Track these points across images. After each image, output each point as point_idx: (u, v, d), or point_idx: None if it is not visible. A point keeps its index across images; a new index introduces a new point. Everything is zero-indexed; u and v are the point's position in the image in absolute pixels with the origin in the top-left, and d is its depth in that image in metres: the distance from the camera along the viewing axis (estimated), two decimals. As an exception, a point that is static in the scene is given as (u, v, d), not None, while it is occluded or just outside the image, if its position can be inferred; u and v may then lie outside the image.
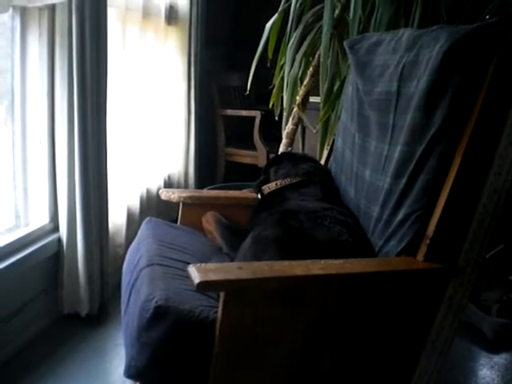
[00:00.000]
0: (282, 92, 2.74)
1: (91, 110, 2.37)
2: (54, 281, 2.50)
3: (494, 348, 2.56)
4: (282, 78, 2.74)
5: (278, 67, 2.83)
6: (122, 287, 1.79)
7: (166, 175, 3.74)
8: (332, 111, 2.61)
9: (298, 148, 2.98)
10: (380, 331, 1.48)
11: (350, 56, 2.05)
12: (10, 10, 2.16)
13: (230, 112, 4.55)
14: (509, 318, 2.67)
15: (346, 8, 2.54)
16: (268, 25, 2.76)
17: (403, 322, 1.50)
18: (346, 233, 1.65)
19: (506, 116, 1.44)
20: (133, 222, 3.04)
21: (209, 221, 2.08)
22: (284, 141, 2.87)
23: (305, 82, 2.79)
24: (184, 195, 2.18)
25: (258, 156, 4.34)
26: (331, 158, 2.24)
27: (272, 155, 3.00)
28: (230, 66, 5.05)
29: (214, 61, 4.55)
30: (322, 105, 2.62)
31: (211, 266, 1.36)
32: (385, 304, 1.47)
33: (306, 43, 2.67)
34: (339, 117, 2.28)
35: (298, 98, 2.77)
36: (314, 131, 2.76)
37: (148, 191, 3.40)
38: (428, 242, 1.45)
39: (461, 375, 2.35)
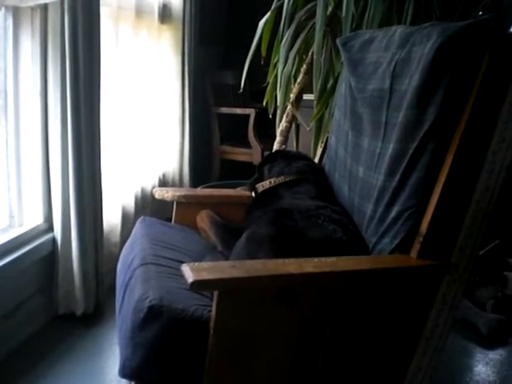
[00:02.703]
0: (276, 90, 2.74)
1: (84, 109, 2.36)
2: (49, 280, 2.49)
3: (488, 344, 2.57)
4: (276, 76, 2.74)
5: (271, 65, 2.83)
6: (117, 287, 1.79)
7: (160, 174, 3.74)
8: (325, 109, 2.61)
9: (292, 146, 2.98)
10: (374, 329, 1.49)
11: (342, 53, 2.05)
12: (3, 10, 2.17)
13: (224, 110, 4.55)
14: (503, 313, 2.68)
15: (338, 5, 2.54)
16: (261, 23, 2.76)
17: (397, 320, 1.50)
18: (340, 231, 1.65)
19: (499, 112, 1.44)
20: (128, 221, 3.04)
21: (203, 219, 2.08)
22: (278, 138, 2.87)
23: (298, 80, 2.79)
24: (178, 194, 2.18)
25: (252, 154, 4.35)
26: (325, 155, 2.24)
27: (267, 153, 3.00)
28: (224, 64, 5.04)
29: (207, 59, 4.56)
30: (315, 102, 2.62)
31: (205, 264, 1.36)
32: (379, 302, 1.47)
33: (299, 41, 2.67)
34: (333, 114, 2.28)
35: (291, 95, 2.78)
36: (308, 129, 2.76)
37: (143, 190, 3.40)
38: (421, 239, 1.45)
39: (456, 371, 2.36)
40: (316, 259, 1.41)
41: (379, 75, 1.75)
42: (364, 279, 1.45)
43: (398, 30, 1.75)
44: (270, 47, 2.80)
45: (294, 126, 2.91)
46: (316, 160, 2.34)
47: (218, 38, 4.93)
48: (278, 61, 2.73)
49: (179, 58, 3.73)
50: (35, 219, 2.46)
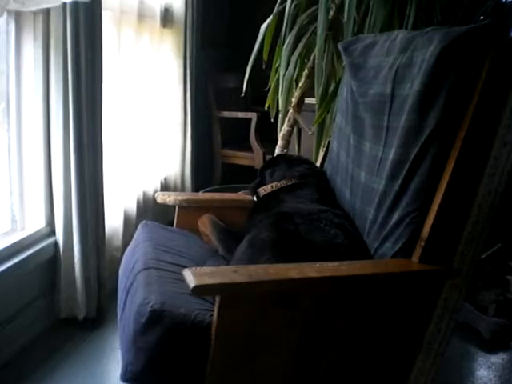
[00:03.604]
0: (278, 94, 2.74)
1: (86, 113, 2.37)
2: (51, 285, 2.49)
3: (491, 348, 2.56)
4: (278, 80, 2.74)
5: (273, 69, 2.84)
6: (118, 291, 1.78)
7: (162, 178, 3.73)
8: (327, 113, 2.61)
9: (293, 150, 2.98)
10: (376, 333, 1.49)
11: (344, 58, 2.05)
12: (5, 15, 2.16)
13: (226, 114, 4.55)
14: (506, 317, 2.68)
15: (340, 10, 2.54)
16: (263, 27, 2.76)
17: (399, 324, 1.50)
18: (342, 235, 1.65)
19: (500, 117, 1.44)
20: (129, 225, 3.04)
21: (205, 224, 2.08)
22: (280, 142, 2.88)
23: (300, 84, 2.80)
24: (180, 198, 2.18)
25: (254, 158, 4.35)
26: (326, 159, 2.24)
27: (269, 157, 3.00)
28: (226, 67, 5.05)
29: (209, 63, 4.56)
30: (317, 106, 2.63)
31: (206, 269, 1.36)
32: (380, 306, 1.47)
33: (300, 45, 2.67)
34: (334, 118, 2.28)
35: (293, 99, 2.78)
36: (310, 133, 2.77)
37: (145, 194, 3.40)
38: (423, 243, 1.45)
39: (458, 376, 2.36)
40: (318, 264, 1.41)
41: (381, 80, 1.75)
42: (366, 284, 1.45)
43: (400, 35, 1.76)
44: (272, 51, 2.80)
45: (295, 130, 2.91)
46: (318, 164, 2.34)
47: (220, 41, 4.94)
48: (279, 65, 2.73)
49: (181, 61, 3.73)
50: (37, 223, 2.46)
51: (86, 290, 2.48)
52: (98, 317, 2.58)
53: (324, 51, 2.53)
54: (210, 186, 3.92)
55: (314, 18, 2.62)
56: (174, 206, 2.19)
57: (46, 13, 2.27)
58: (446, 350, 1.57)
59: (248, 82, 2.84)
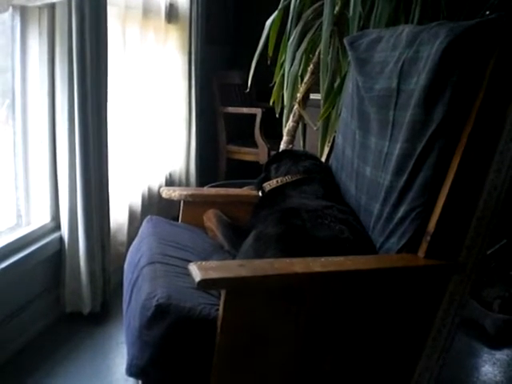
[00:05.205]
0: (283, 89, 2.74)
1: (92, 108, 2.37)
2: (56, 279, 2.50)
3: (495, 344, 2.56)
4: (283, 76, 2.74)
5: (278, 64, 2.83)
6: (124, 286, 1.79)
7: (167, 173, 3.74)
8: (332, 108, 2.60)
9: (299, 145, 2.98)
10: (381, 328, 1.48)
11: (349, 53, 2.05)
12: (10, 9, 2.17)
13: (231, 110, 4.55)
14: (511, 313, 2.67)
15: (346, 5, 2.54)
16: (268, 22, 2.76)
17: (404, 319, 1.50)
18: (347, 230, 1.65)
19: (506, 112, 1.43)
20: (134, 220, 3.05)
21: (210, 218, 2.08)
22: (285, 138, 2.87)
23: (305, 79, 2.79)
24: (185, 193, 2.18)
25: (259, 153, 4.35)
26: (332, 155, 2.24)
27: (274, 152, 3.00)
28: (231, 63, 5.05)
29: (214, 59, 4.56)
30: (322, 102, 2.62)
31: (212, 263, 1.36)
32: (386, 301, 1.47)
33: (306, 40, 2.67)
34: (340, 114, 2.28)
35: (298, 95, 2.77)
36: (315, 128, 2.76)
37: (149, 189, 3.41)
38: (429, 238, 1.45)
39: (462, 372, 2.35)
40: (323, 258, 1.41)
41: (386, 74, 1.74)
42: (371, 278, 1.45)
43: (406, 30, 1.75)
44: (277, 47, 2.79)
45: (300, 125, 2.90)
46: (323, 159, 2.34)
47: (225, 37, 4.93)
48: (284, 60, 2.73)
49: (186, 57, 3.73)
50: (42, 218, 2.47)
51: (91, 285, 2.48)
52: (103, 311, 2.58)
53: (329, 46, 2.53)
54: (214, 182, 3.92)
55: (319, 13, 2.61)
56: (178, 202, 2.19)
57: (51, 8, 2.28)
58: (452, 345, 1.57)
59: (253, 77, 2.84)
